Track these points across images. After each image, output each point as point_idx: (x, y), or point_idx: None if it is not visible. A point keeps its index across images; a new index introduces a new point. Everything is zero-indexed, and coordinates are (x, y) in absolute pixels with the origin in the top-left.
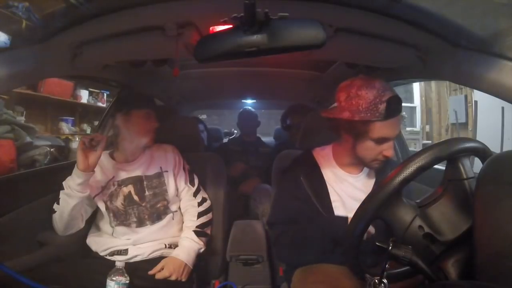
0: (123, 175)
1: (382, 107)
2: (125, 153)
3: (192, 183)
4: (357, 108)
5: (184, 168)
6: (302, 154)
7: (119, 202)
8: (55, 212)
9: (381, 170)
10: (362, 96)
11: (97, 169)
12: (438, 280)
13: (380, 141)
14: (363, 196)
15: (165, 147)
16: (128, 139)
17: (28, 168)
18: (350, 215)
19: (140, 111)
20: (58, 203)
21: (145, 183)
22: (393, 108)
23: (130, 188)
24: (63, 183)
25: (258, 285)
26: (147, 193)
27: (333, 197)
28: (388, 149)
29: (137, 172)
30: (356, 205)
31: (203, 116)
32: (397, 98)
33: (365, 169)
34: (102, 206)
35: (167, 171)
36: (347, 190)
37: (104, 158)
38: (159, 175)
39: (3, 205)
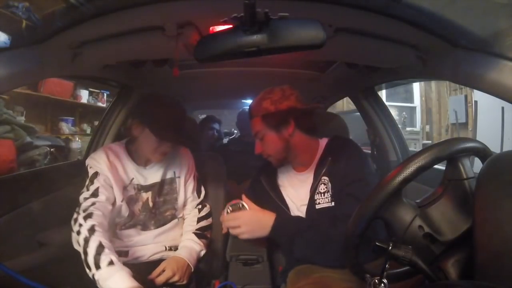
0: (141, 180)
1: None
2: (140, 156)
3: (198, 193)
4: None
5: (194, 176)
6: None
7: (136, 208)
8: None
9: (322, 163)
10: None
11: (119, 166)
12: (438, 280)
13: None
14: (304, 192)
15: (180, 150)
16: (141, 148)
17: (28, 168)
18: (298, 212)
19: (151, 135)
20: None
21: (159, 189)
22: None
23: (149, 195)
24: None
25: (258, 285)
26: (157, 199)
27: (286, 195)
28: None
29: (155, 178)
30: (300, 201)
31: (203, 116)
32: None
33: (312, 167)
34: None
35: (179, 177)
36: (296, 188)
37: (123, 153)
38: (172, 181)
39: (3, 205)
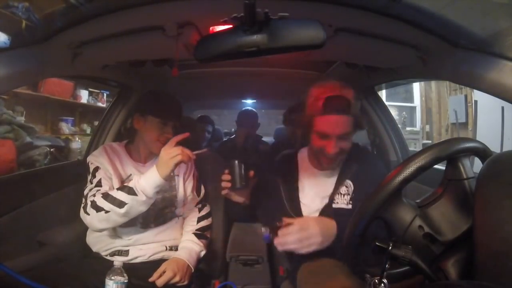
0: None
1: (320, 103)
2: (139, 153)
3: (198, 192)
4: (304, 104)
5: (193, 175)
6: (286, 155)
7: None
8: (107, 212)
9: (348, 168)
10: (309, 93)
11: (117, 163)
12: (438, 280)
13: (322, 136)
14: (322, 192)
15: None
16: (142, 142)
17: (28, 168)
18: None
19: (155, 119)
20: (119, 207)
21: None
22: (329, 105)
23: None
24: (134, 187)
25: (258, 285)
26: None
27: (303, 200)
28: (327, 146)
29: None
30: (315, 204)
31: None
32: (335, 98)
33: (338, 170)
34: None
35: (178, 175)
36: (317, 190)
37: (122, 151)
38: (171, 179)
39: (3, 205)
